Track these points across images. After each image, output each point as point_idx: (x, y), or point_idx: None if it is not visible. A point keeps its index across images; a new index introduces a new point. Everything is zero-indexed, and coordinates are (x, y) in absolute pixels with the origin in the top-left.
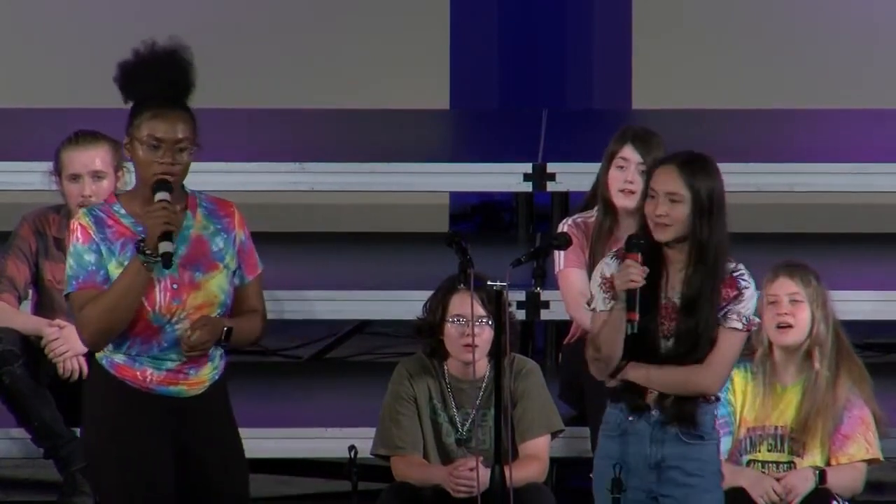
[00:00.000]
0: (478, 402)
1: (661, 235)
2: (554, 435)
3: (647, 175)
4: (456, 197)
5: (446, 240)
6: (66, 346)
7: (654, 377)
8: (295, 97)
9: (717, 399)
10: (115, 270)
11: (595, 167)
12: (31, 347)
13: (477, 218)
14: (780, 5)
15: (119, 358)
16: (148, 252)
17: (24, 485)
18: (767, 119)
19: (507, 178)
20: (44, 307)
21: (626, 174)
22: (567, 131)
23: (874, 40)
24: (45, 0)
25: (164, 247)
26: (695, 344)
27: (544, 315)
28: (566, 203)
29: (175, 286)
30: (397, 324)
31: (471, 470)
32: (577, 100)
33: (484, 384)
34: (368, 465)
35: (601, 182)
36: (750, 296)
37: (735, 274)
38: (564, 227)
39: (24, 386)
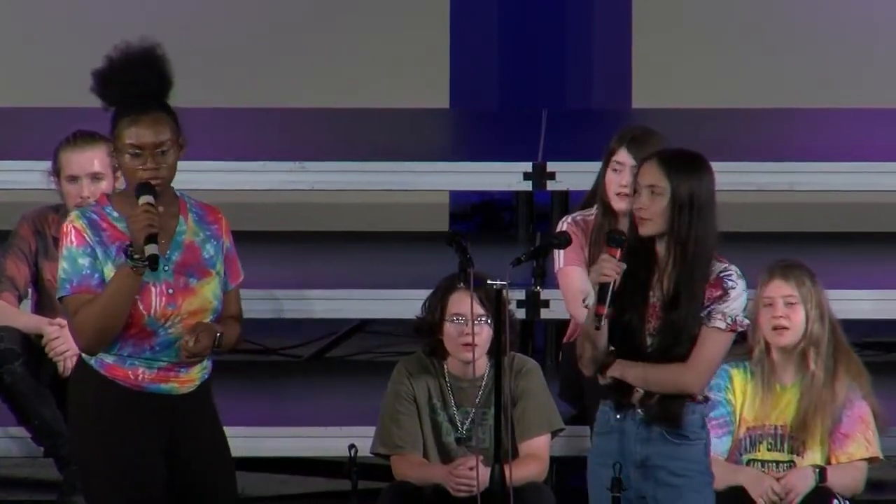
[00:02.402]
0: (477, 400)
1: (642, 229)
2: (554, 434)
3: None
4: (456, 196)
5: (446, 239)
6: (67, 345)
7: (637, 374)
8: (295, 97)
9: (706, 399)
10: (110, 274)
11: (594, 166)
12: (32, 346)
13: (477, 217)
14: (780, 5)
15: (109, 358)
16: (136, 256)
17: (23, 484)
18: (767, 118)
19: (506, 177)
20: (44, 307)
21: (621, 177)
22: (567, 131)
23: (874, 40)
24: (45, 0)
25: (151, 249)
26: (675, 340)
27: (544, 314)
28: (566, 202)
29: (171, 291)
30: (397, 323)
31: (471, 469)
32: (577, 99)
33: (484, 383)
34: (368, 464)
35: (600, 183)
36: (736, 296)
37: (722, 274)
38: (564, 225)
39: (25, 385)
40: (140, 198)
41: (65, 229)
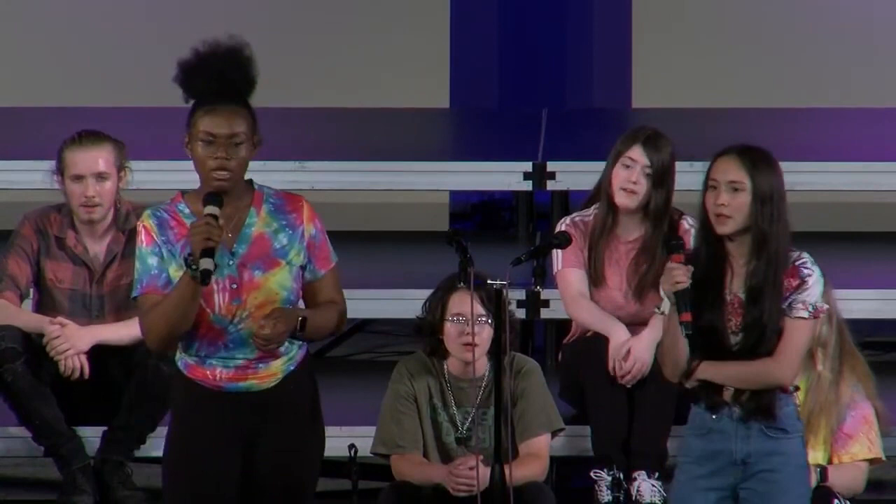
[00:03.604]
0: (478, 400)
1: (722, 228)
2: (554, 434)
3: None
4: (456, 196)
5: (446, 238)
6: (68, 344)
7: (727, 373)
8: (295, 97)
9: (797, 388)
10: (175, 273)
11: (594, 166)
12: (33, 345)
13: (477, 217)
14: (780, 5)
15: (190, 359)
16: (194, 267)
17: (24, 483)
18: (767, 118)
19: (507, 176)
20: (45, 306)
21: (630, 174)
22: (567, 130)
23: (873, 40)
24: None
25: (204, 263)
26: (761, 335)
27: (544, 314)
28: (566, 202)
29: (234, 286)
30: (397, 323)
31: (471, 469)
32: (577, 99)
33: (484, 383)
34: (368, 464)
35: (605, 179)
36: (814, 283)
37: (798, 263)
38: (563, 226)
39: (26, 384)
40: (206, 207)
41: (137, 227)
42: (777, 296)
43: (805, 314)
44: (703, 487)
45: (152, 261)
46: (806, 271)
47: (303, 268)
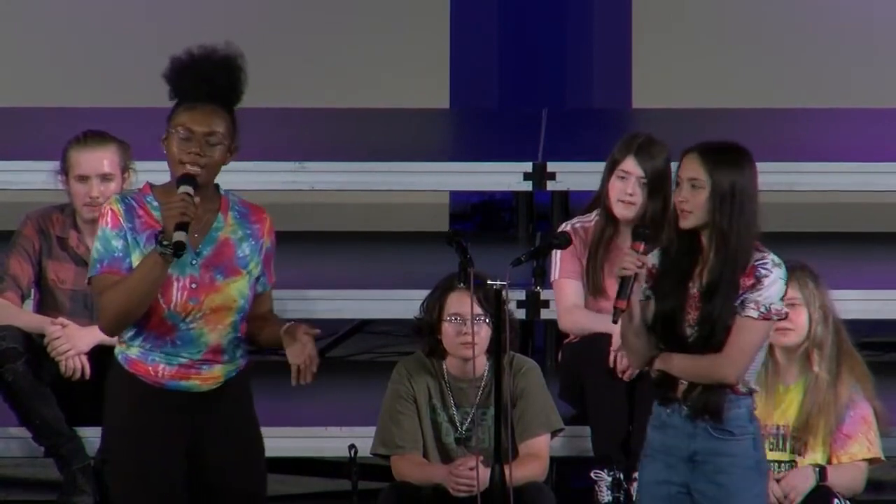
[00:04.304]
0: (477, 400)
1: (683, 222)
2: (554, 434)
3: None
4: (456, 196)
5: (446, 239)
6: (69, 344)
7: (678, 365)
8: (295, 97)
9: (751, 392)
10: (137, 261)
11: (594, 166)
12: (34, 345)
13: (477, 217)
14: (780, 5)
15: (133, 352)
16: (165, 243)
17: (24, 483)
18: (768, 118)
19: (507, 177)
20: (46, 306)
21: (626, 186)
22: (567, 131)
23: (873, 40)
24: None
25: (178, 236)
26: (711, 331)
27: (544, 314)
28: (566, 202)
29: (194, 285)
30: (397, 323)
31: (471, 469)
32: (577, 99)
33: (483, 383)
34: (368, 465)
35: (602, 189)
36: (770, 283)
37: (757, 262)
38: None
39: (26, 384)
40: (180, 187)
41: (103, 210)
42: (731, 293)
43: (754, 314)
44: (659, 480)
45: (117, 243)
46: (763, 272)
47: (256, 279)
